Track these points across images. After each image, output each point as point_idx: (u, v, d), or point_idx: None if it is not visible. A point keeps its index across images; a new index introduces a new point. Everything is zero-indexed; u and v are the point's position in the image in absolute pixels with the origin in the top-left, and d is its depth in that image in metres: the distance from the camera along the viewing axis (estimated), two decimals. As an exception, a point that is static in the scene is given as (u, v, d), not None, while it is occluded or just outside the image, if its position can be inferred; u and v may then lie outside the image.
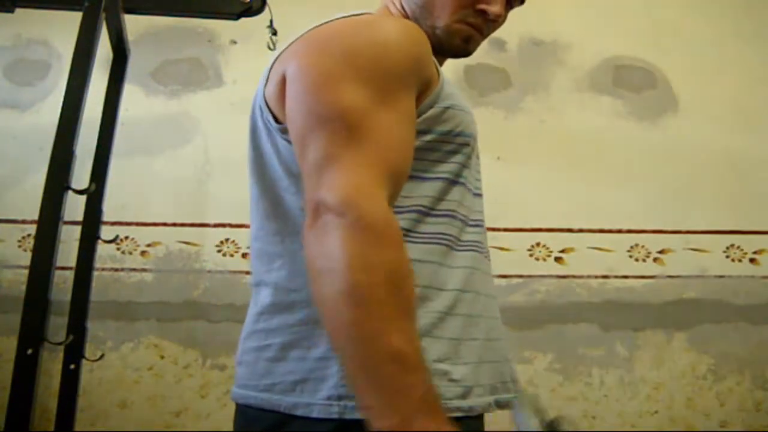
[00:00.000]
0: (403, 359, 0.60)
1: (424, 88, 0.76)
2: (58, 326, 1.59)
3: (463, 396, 0.74)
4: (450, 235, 0.80)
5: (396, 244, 0.64)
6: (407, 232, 0.76)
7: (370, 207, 0.63)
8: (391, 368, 0.59)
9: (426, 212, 0.78)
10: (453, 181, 0.81)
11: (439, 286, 0.77)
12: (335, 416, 0.70)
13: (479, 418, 0.79)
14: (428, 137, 0.78)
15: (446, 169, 0.80)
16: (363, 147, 0.66)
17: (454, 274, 0.79)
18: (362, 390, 0.61)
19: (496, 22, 0.86)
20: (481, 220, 0.87)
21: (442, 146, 0.80)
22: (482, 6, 0.83)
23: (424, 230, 0.78)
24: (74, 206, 1.73)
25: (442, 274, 0.78)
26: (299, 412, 0.72)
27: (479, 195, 0.88)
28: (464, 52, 0.88)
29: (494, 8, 0.84)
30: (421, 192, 0.78)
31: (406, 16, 0.87)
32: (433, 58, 0.80)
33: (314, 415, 0.71)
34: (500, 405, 0.80)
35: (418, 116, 0.76)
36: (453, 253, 0.79)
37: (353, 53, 0.71)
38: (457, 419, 0.73)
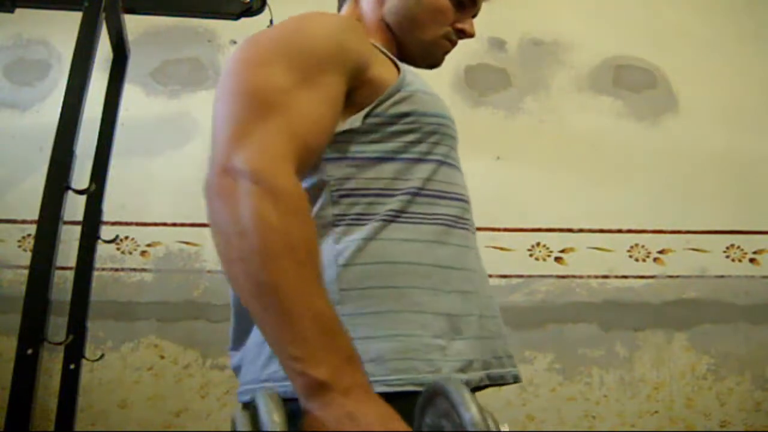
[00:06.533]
0: (326, 318, 0.61)
1: (358, 74, 0.78)
2: (58, 326, 1.59)
3: (463, 370, 0.75)
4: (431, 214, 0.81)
5: (309, 216, 0.66)
6: (400, 213, 0.78)
7: (283, 179, 0.64)
8: (318, 324, 0.60)
9: (416, 193, 0.80)
10: (442, 161, 0.83)
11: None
12: None
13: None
14: (408, 119, 0.81)
15: (422, 149, 0.82)
16: (277, 120, 0.68)
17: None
18: (287, 342, 0.60)
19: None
20: (459, 194, 0.86)
21: (421, 128, 0.82)
22: (461, 26, 0.96)
23: (416, 211, 0.79)
24: (74, 206, 1.73)
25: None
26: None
27: (457, 168, 0.88)
28: (439, 63, 0.99)
29: (471, 29, 0.97)
30: (414, 174, 0.80)
31: (383, 27, 0.93)
32: (380, 51, 0.85)
33: None
34: (492, 379, 0.81)
35: (386, 103, 0.79)
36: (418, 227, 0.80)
37: (280, 41, 0.76)
38: None
